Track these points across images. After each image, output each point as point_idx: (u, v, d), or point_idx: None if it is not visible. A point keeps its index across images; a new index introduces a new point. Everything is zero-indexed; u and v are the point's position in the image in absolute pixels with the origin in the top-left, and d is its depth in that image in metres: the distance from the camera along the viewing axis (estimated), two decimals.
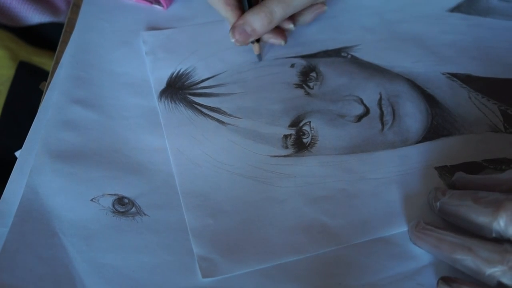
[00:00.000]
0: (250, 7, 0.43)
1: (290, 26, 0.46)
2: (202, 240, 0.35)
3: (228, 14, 0.44)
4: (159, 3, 0.50)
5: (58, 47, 0.47)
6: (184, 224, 0.36)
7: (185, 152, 0.39)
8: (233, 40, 0.43)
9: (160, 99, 0.43)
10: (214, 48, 0.47)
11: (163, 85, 0.44)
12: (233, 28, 0.43)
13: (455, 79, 0.45)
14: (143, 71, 0.45)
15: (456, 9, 0.50)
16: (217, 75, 0.45)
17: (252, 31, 0.43)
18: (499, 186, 0.33)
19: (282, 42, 0.46)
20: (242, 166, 0.39)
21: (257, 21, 0.42)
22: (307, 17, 0.46)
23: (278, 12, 0.42)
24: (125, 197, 0.37)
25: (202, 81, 0.44)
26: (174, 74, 0.45)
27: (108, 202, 0.36)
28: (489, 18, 0.49)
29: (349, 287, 0.33)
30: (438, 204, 0.35)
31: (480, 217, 0.31)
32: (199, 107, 0.42)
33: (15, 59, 0.56)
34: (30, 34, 0.59)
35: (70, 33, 0.47)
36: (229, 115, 0.42)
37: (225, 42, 0.47)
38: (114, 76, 0.44)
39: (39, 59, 0.58)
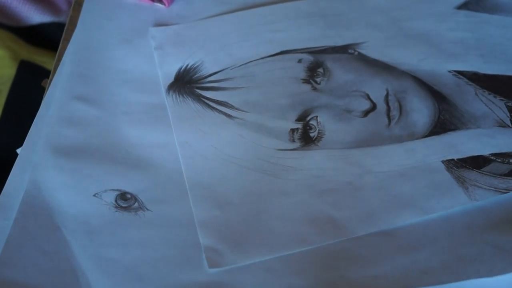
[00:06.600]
0: None
1: None
2: (208, 231, 0.35)
3: None
4: (160, 1, 0.50)
5: (60, 45, 0.47)
6: (187, 218, 0.36)
7: (192, 145, 0.40)
8: None
9: (168, 93, 0.43)
10: (222, 42, 0.47)
11: (171, 79, 0.44)
12: None
13: (461, 76, 0.45)
14: (145, 68, 0.45)
15: (463, 6, 0.50)
16: (225, 69, 0.45)
17: None
18: None
19: None
20: (249, 159, 0.39)
21: None
22: None
23: None
24: (128, 192, 0.37)
25: (210, 75, 0.45)
26: (182, 69, 0.45)
27: (110, 197, 0.37)
28: (496, 15, 0.49)
29: (350, 280, 0.33)
30: None
31: None
32: (206, 101, 0.43)
33: (16, 59, 0.56)
34: (31, 34, 0.59)
35: (72, 30, 0.47)
36: (237, 108, 0.42)
37: (233, 37, 0.47)
38: (115, 73, 0.45)
39: (40, 58, 0.58)
